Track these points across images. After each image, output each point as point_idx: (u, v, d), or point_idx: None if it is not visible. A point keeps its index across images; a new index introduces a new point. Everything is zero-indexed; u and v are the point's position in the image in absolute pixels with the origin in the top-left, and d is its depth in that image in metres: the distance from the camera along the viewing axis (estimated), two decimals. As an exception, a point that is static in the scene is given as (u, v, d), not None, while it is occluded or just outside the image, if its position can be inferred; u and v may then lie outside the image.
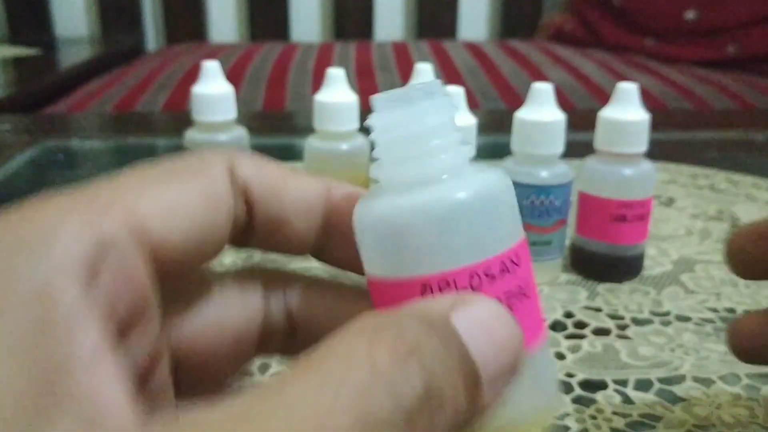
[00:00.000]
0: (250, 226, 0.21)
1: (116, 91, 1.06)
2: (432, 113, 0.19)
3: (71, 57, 1.44)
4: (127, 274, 0.16)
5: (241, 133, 0.51)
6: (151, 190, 0.18)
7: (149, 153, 0.77)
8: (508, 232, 0.19)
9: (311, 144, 0.49)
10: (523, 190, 0.42)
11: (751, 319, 0.26)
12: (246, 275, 0.22)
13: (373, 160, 0.20)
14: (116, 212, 0.16)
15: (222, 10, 1.63)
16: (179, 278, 0.19)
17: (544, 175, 0.42)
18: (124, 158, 0.77)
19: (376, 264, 0.19)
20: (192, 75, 0.80)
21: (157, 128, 0.89)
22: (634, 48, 1.30)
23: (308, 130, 0.50)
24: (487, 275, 0.18)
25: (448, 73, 1.12)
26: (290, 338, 0.22)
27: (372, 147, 0.20)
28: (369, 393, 0.14)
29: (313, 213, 0.21)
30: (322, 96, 0.48)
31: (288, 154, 0.73)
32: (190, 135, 0.51)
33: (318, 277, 0.22)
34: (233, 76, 0.99)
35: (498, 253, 0.18)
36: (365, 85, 1.05)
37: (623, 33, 1.32)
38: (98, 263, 0.15)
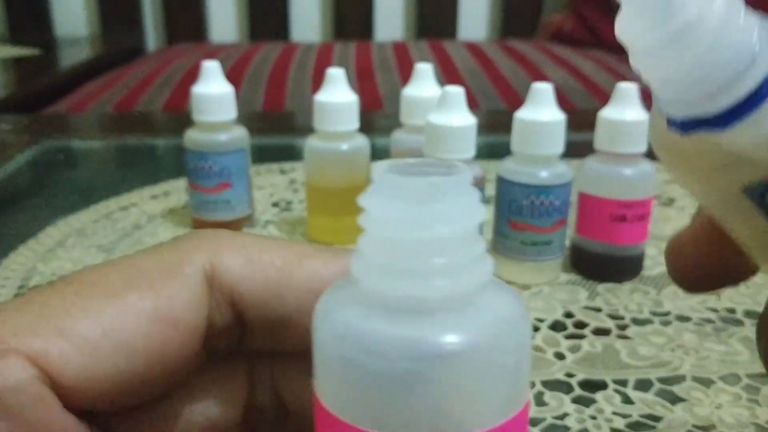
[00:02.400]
0: (243, 330, 0.18)
1: (116, 91, 1.06)
2: (453, 217, 0.14)
3: (71, 57, 1.44)
4: (30, 420, 0.15)
5: (241, 133, 0.51)
6: (72, 321, 0.15)
7: (149, 153, 0.77)
8: (503, 402, 0.14)
9: (311, 144, 0.49)
10: (523, 190, 0.42)
11: (684, 243, 0.20)
12: (224, 358, 0.19)
13: (358, 246, 0.15)
14: (12, 361, 0.15)
15: (222, 10, 1.63)
16: (125, 403, 0.17)
17: (544, 175, 0.42)
18: (124, 158, 0.77)
19: (324, 388, 0.15)
20: (192, 75, 0.80)
21: (157, 128, 0.89)
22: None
23: (308, 130, 0.50)
24: None
25: (448, 73, 1.12)
26: (282, 420, 0.19)
27: (361, 229, 0.15)
28: None
29: None
30: (322, 96, 0.48)
31: (288, 154, 0.73)
32: (190, 135, 0.51)
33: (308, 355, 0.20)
34: (233, 76, 0.99)
35: (482, 429, 0.14)
36: (365, 85, 1.05)
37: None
38: None
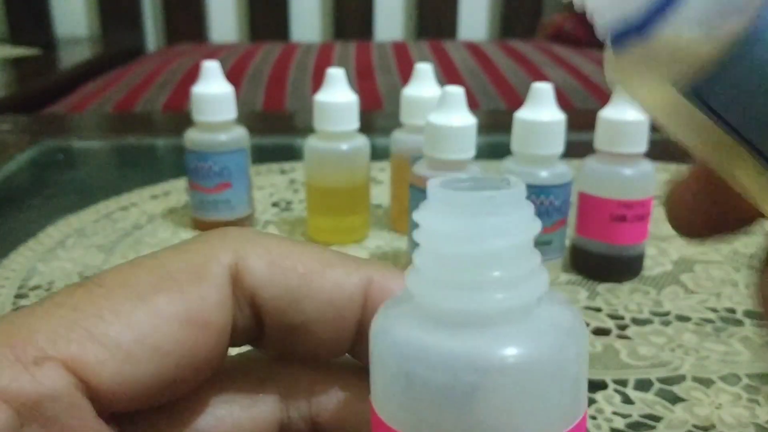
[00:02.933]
0: (264, 333, 0.18)
1: (116, 91, 1.06)
2: (511, 231, 0.14)
3: (71, 57, 1.44)
4: (66, 428, 0.15)
5: (241, 133, 0.51)
6: (105, 325, 0.15)
7: (149, 153, 0.77)
8: (563, 413, 0.14)
9: (311, 144, 0.49)
10: (523, 190, 0.42)
11: (683, 189, 0.20)
12: (261, 377, 0.18)
13: (413, 260, 0.15)
14: (50, 369, 0.15)
15: (222, 10, 1.63)
16: (154, 403, 0.17)
17: (544, 175, 0.42)
18: (124, 158, 0.77)
19: (384, 403, 0.15)
20: (192, 75, 0.80)
21: (157, 128, 0.89)
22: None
23: (308, 130, 0.50)
24: None
25: (448, 73, 1.12)
26: None
27: (414, 247, 0.15)
28: None
29: (346, 319, 0.17)
30: (322, 96, 0.48)
31: (288, 154, 0.73)
32: (190, 135, 0.51)
33: (349, 380, 0.19)
34: (233, 76, 0.99)
35: None
36: (365, 85, 1.05)
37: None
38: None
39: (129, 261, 0.17)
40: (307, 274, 0.17)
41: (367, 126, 0.53)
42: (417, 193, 0.42)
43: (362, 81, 1.08)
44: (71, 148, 0.77)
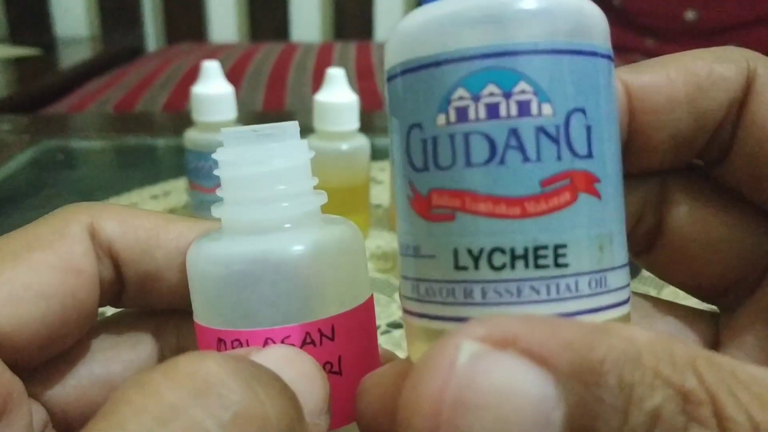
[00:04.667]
0: (123, 285, 0.20)
1: (116, 91, 1.06)
2: (282, 155, 0.18)
3: (71, 57, 1.44)
4: None
5: (241, 133, 0.51)
6: None
7: (149, 153, 0.77)
8: (324, 301, 0.18)
9: (311, 144, 0.49)
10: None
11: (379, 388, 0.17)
12: (136, 324, 0.21)
13: (218, 198, 0.19)
14: None
15: (222, 10, 1.63)
16: (49, 351, 0.18)
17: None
18: (124, 158, 0.77)
19: (196, 308, 0.19)
20: (192, 75, 0.80)
21: (157, 128, 0.89)
22: (634, 48, 1.30)
23: (308, 130, 0.50)
24: (283, 342, 0.17)
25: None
26: None
27: (218, 183, 0.19)
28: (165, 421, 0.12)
29: None
30: (322, 96, 0.48)
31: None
32: (190, 135, 0.51)
33: None
34: (233, 76, 0.99)
35: (304, 321, 0.17)
36: (365, 85, 1.05)
37: (623, 33, 1.32)
38: None
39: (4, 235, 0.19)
40: (153, 228, 0.20)
41: (367, 126, 0.53)
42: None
43: (362, 81, 1.08)
44: (71, 148, 0.77)
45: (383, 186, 0.61)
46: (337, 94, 0.48)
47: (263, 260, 0.17)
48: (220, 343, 0.17)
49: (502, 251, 0.14)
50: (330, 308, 0.18)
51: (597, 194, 0.15)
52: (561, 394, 0.11)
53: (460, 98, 0.14)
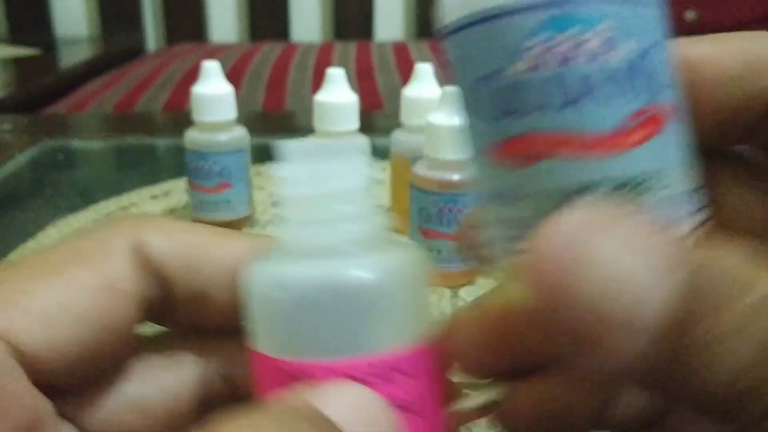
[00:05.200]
0: (170, 303, 0.19)
1: (116, 91, 1.06)
2: (350, 174, 0.17)
3: (71, 57, 1.44)
4: (5, 397, 0.15)
5: (241, 133, 0.51)
6: (29, 297, 0.16)
7: (149, 153, 0.77)
8: (394, 331, 0.16)
9: (311, 144, 0.49)
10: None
11: (473, 326, 0.18)
12: (179, 345, 0.20)
13: (277, 216, 0.18)
14: None
15: (222, 10, 1.63)
16: (83, 373, 0.18)
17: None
18: (124, 158, 0.77)
19: (251, 332, 0.17)
20: (192, 75, 0.80)
21: (157, 128, 0.89)
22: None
23: (308, 130, 0.50)
24: (348, 376, 0.16)
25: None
26: (238, 400, 0.20)
27: (276, 201, 0.18)
28: None
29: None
30: (322, 96, 0.48)
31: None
32: (190, 135, 0.51)
33: None
34: (233, 76, 0.99)
35: (372, 353, 0.16)
36: (365, 85, 1.05)
37: (623, 33, 1.32)
38: None
39: (38, 249, 0.18)
40: (203, 245, 0.19)
41: (367, 126, 0.53)
42: (417, 193, 0.42)
43: (362, 81, 1.08)
44: (71, 148, 0.77)
45: (383, 186, 0.61)
46: (337, 94, 0.48)
47: (330, 286, 0.16)
48: (279, 372, 0.16)
49: (595, 188, 0.14)
50: (400, 340, 0.16)
51: (680, 119, 0.15)
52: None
53: (541, 42, 0.14)
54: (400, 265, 0.17)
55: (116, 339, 0.18)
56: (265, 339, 0.17)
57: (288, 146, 0.17)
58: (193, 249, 0.19)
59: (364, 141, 0.17)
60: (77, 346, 0.17)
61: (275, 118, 0.93)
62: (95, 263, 0.17)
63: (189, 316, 0.19)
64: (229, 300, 0.18)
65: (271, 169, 0.17)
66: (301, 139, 0.18)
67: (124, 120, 0.93)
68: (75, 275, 0.17)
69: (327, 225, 0.16)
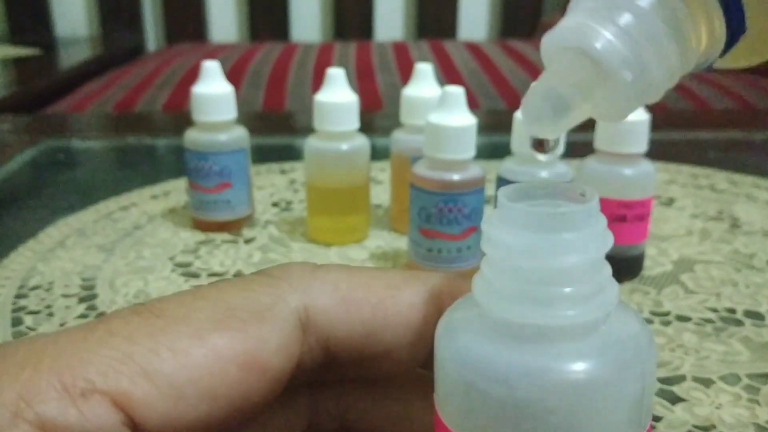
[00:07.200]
0: (329, 366, 0.17)
1: (116, 91, 1.06)
2: (583, 247, 0.14)
3: (71, 57, 1.44)
4: None
5: (241, 133, 0.51)
6: (159, 361, 0.15)
7: (149, 153, 0.77)
8: (624, 430, 0.14)
9: (311, 144, 0.49)
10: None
11: None
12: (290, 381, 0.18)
13: (480, 271, 0.15)
14: (97, 403, 0.14)
15: (222, 10, 1.63)
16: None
17: (544, 175, 0.42)
18: (124, 158, 0.77)
19: (445, 406, 0.15)
20: (192, 75, 0.80)
21: (157, 128, 0.89)
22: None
23: (308, 130, 0.50)
24: None
25: (448, 73, 1.11)
26: None
27: (482, 255, 0.15)
28: None
29: (423, 338, 0.17)
30: (322, 96, 0.48)
31: (288, 154, 0.73)
32: (190, 135, 0.51)
33: (377, 381, 0.19)
34: (233, 76, 0.99)
35: None
36: (365, 85, 1.05)
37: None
38: None
39: (191, 290, 0.16)
40: (379, 304, 0.17)
41: (367, 126, 0.53)
42: (417, 193, 0.42)
43: (362, 81, 1.08)
44: (71, 148, 0.77)
45: (383, 186, 0.61)
46: (337, 94, 0.48)
47: (560, 383, 0.13)
48: None
49: None
50: None
51: None
52: None
53: None
54: (624, 358, 0.14)
55: (246, 413, 0.16)
56: (455, 416, 0.15)
57: (510, 197, 0.15)
58: (368, 310, 0.17)
59: (592, 191, 0.15)
60: (201, 422, 0.15)
61: (275, 118, 0.93)
62: (245, 331, 0.15)
63: (352, 374, 0.18)
64: (409, 356, 0.17)
65: (486, 223, 0.15)
66: (526, 188, 0.15)
67: (124, 120, 0.93)
68: (217, 345, 0.15)
69: (543, 304, 0.14)
